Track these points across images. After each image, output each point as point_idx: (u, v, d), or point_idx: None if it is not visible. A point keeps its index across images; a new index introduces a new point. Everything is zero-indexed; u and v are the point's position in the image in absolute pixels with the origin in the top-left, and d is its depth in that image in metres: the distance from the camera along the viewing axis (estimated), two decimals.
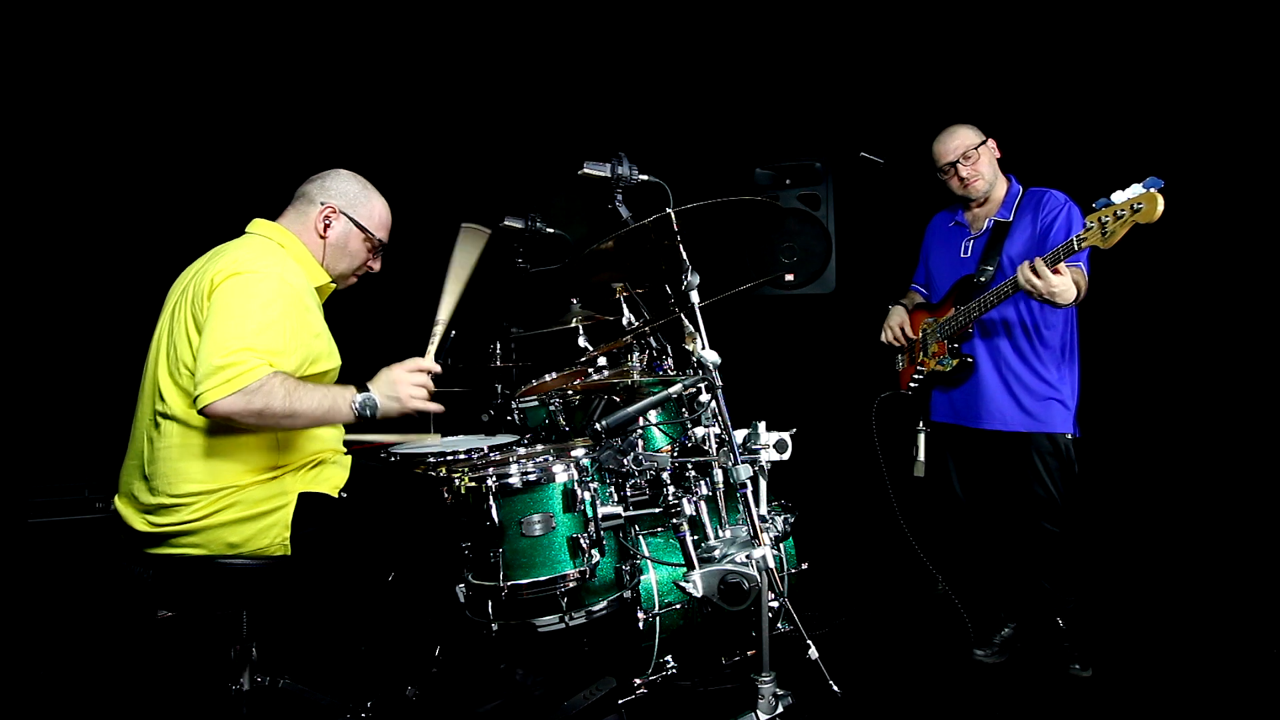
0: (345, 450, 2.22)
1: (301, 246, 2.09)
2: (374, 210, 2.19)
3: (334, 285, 2.19)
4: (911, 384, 2.83)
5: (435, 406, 2.03)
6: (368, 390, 1.94)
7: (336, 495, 2.03)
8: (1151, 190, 2.09)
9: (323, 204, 2.11)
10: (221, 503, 1.89)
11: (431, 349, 2.12)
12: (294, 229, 2.10)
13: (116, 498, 2.02)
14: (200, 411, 1.76)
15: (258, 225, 2.11)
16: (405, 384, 1.98)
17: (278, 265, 1.95)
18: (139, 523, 1.92)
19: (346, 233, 2.14)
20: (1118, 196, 2.15)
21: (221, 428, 1.88)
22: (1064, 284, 2.30)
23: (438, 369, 2.06)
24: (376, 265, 2.26)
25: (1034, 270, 2.30)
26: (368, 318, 3.51)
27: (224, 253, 1.99)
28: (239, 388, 1.74)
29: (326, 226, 2.11)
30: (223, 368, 1.75)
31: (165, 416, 1.91)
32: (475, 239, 2.24)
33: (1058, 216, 2.55)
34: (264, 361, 1.79)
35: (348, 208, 2.13)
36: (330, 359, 2.08)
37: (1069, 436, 2.60)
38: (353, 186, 2.17)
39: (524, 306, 3.43)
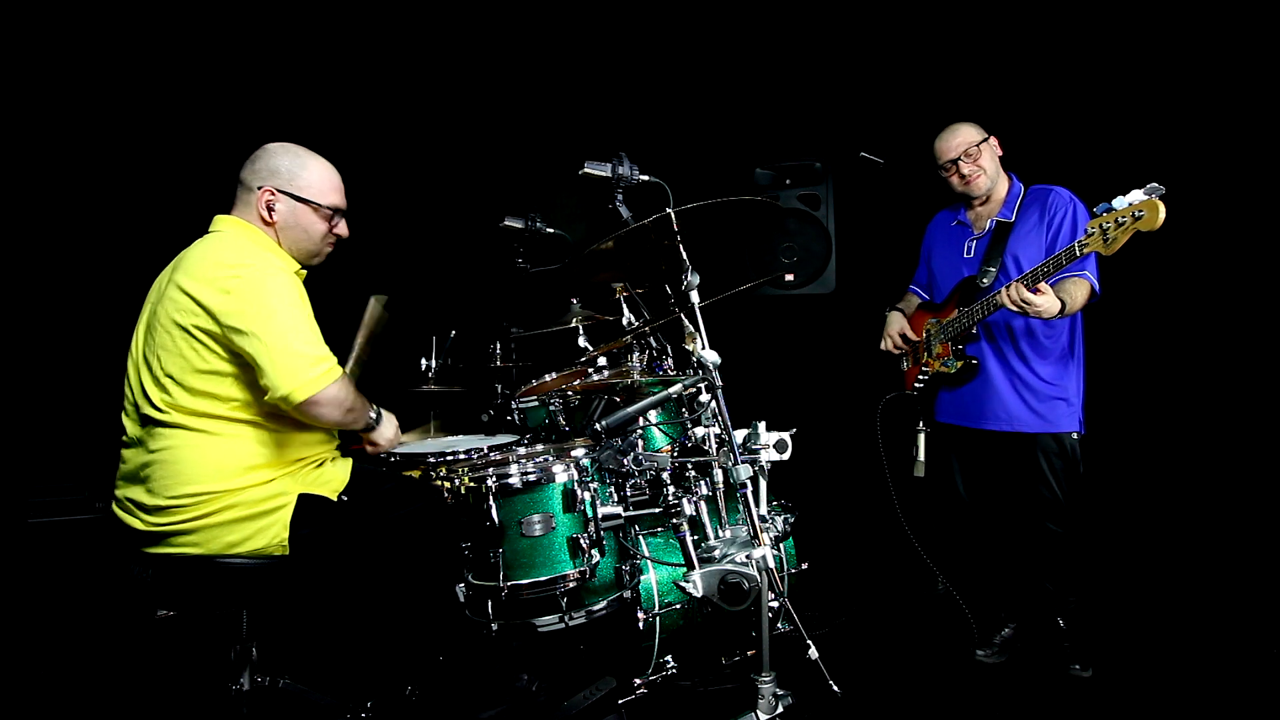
0: (343, 452, 2.22)
1: (264, 236, 2.05)
2: (313, 177, 2.06)
3: (303, 271, 2.13)
4: (917, 384, 2.83)
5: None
6: (383, 412, 2.19)
7: (336, 498, 2.03)
8: (1153, 198, 2.05)
9: (259, 188, 2.01)
10: (219, 503, 1.89)
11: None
12: (249, 220, 2.05)
13: (113, 504, 2.00)
14: (300, 403, 1.84)
15: (222, 222, 2.06)
16: (391, 440, 2.24)
17: (268, 253, 1.99)
18: (136, 523, 1.92)
19: (292, 210, 2.04)
20: (1119, 202, 2.12)
21: (230, 429, 1.91)
22: (1045, 302, 2.32)
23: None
24: (343, 230, 2.15)
25: (1016, 293, 2.35)
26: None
27: (206, 255, 1.94)
28: (336, 378, 1.91)
29: (270, 210, 2.02)
30: (321, 359, 1.89)
31: (159, 424, 1.90)
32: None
33: (1064, 219, 2.54)
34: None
35: (284, 184, 2.02)
36: None
37: (1075, 435, 2.59)
38: (283, 161, 2.04)
39: (524, 306, 3.43)
